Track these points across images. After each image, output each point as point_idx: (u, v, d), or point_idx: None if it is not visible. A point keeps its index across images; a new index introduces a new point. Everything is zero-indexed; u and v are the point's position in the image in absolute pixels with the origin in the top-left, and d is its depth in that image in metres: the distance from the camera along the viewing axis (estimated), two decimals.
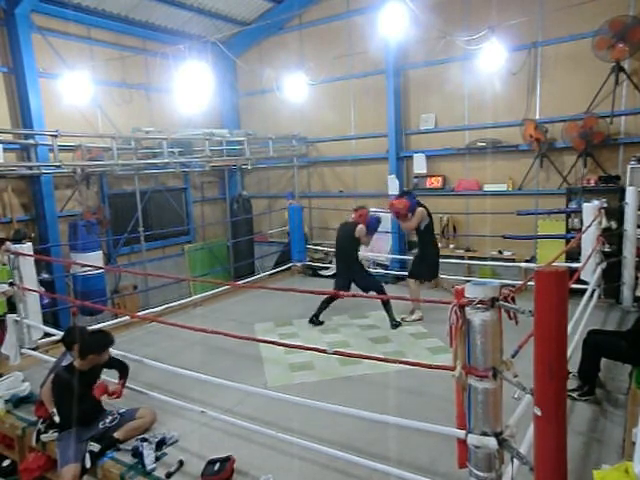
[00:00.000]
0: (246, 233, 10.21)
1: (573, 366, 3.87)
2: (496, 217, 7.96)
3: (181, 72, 8.22)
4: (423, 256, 6.53)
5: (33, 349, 5.18)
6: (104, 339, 3.76)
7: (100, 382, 3.80)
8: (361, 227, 6.30)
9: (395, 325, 6.13)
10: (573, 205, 7.15)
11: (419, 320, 6.28)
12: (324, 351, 3.28)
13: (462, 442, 2.54)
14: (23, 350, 5.13)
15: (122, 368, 3.96)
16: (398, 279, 8.63)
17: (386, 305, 6.21)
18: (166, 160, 8.30)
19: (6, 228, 7.46)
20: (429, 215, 6.37)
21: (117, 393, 3.80)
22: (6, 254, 5.07)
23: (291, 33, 10.30)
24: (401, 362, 3.22)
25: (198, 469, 3.28)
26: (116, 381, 3.96)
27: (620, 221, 6.22)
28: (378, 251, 8.87)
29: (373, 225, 6.43)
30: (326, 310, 6.45)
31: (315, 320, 6.44)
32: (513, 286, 2.63)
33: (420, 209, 6.29)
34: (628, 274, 6.15)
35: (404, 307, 6.53)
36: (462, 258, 8.31)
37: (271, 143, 9.76)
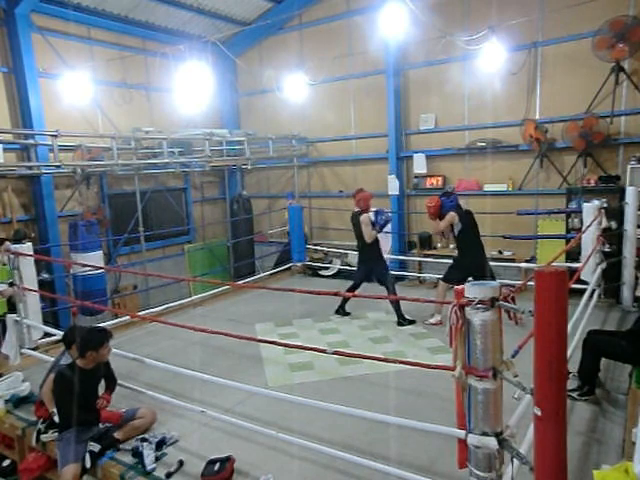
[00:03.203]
0: (246, 233, 10.21)
1: (573, 366, 3.87)
2: (496, 217, 7.96)
3: (181, 72, 8.23)
4: (456, 261, 6.19)
5: (33, 349, 5.18)
6: (101, 335, 3.74)
7: (115, 411, 3.82)
8: (365, 216, 6.29)
9: (400, 323, 6.13)
10: (573, 205, 7.15)
11: (439, 324, 5.99)
12: (324, 351, 3.28)
13: (462, 442, 2.54)
14: (23, 350, 5.13)
15: (111, 380, 3.94)
16: (397, 279, 8.63)
17: (393, 303, 6.21)
18: (166, 160, 8.30)
19: (6, 228, 7.46)
20: (463, 221, 5.91)
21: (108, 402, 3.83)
22: (6, 254, 5.07)
23: (291, 33, 10.30)
24: (401, 362, 3.22)
25: (198, 469, 3.28)
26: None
27: (620, 221, 6.22)
28: None
29: (380, 221, 6.34)
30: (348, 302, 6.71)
31: (342, 311, 6.71)
32: (513, 286, 2.63)
33: (451, 213, 5.90)
34: (628, 274, 6.15)
35: (403, 306, 6.54)
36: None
37: (271, 143, 9.76)
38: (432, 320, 6.11)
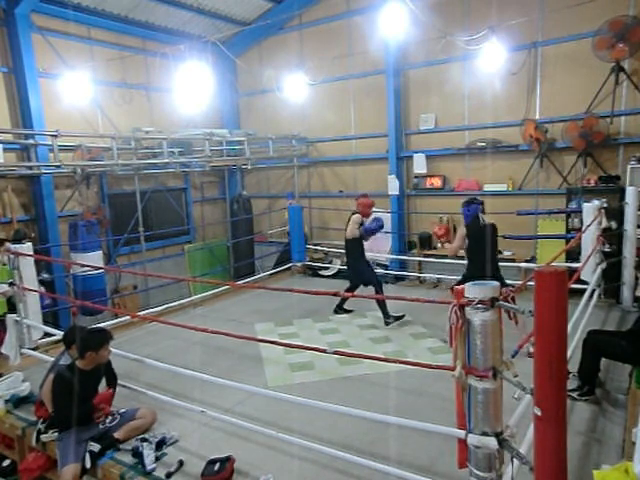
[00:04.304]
0: (246, 233, 10.21)
1: (573, 366, 3.87)
2: (496, 217, 7.91)
3: (181, 72, 8.23)
4: (463, 274, 5.69)
5: (33, 349, 5.18)
6: (101, 336, 3.74)
7: (105, 392, 3.82)
8: (356, 216, 6.37)
9: (388, 322, 6.12)
10: (573, 205, 7.15)
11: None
12: (324, 351, 3.28)
13: (462, 442, 2.54)
14: (23, 350, 5.13)
15: (112, 379, 3.95)
16: (397, 279, 8.63)
17: (379, 302, 6.19)
18: (166, 160, 8.30)
19: (6, 228, 7.46)
20: (470, 234, 5.43)
21: (106, 411, 3.79)
22: (6, 254, 5.07)
23: (291, 33, 10.30)
24: (401, 362, 3.23)
25: (198, 469, 3.28)
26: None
27: (620, 221, 6.22)
28: (378, 251, 8.87)
29: (370, 227, 6.41)
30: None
31: (340, 310, 6.80)
32: (513, 286, 2.63)
33: (461, 230, 5.53)
34: (628, 274, 6.15)
35: (403, 306, 6.53)
36: (462, 258, 8.28)
37: (271, 143, 9.76)
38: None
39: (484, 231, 5.41)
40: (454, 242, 5.67)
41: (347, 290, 6.60)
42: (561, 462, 2.25)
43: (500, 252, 8.11)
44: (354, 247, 6.46)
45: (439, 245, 5.96)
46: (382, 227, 6.55)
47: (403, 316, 6.17)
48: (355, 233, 6.39)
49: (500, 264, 7.71)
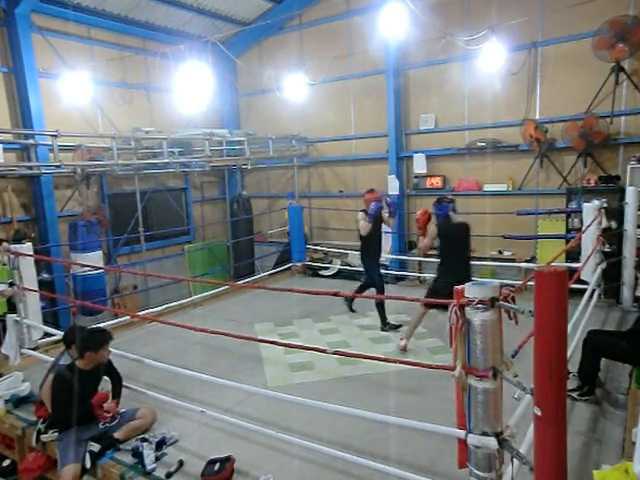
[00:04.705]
0: (246, 233, 10.22)
1: (573, 366, 3.87)
2: (496, 217, 7.96)
3: (181, 72, 8.23)
4: (434, 279, 5.53)
5: (33, 349, 5.17)
6: (101, 336, 3.74)
7: (103, 392, 3.83)
8: (360, 215, 6.28)
9: (382, 328, 6.03)
10: (573, 205, 7.16)
11: (402, 349, 5.30)
12: (324, 351, 3.28)
13: (462, 442, 2.54)
14: (23, 350, 5.13)
15: (116, 380, 3.94)
16: (398, 279, 8.63)
17: (378, 305, 6.13)
18: (166, 160, 8.31)
19: (6, 228, 7.46)
20: (441, 234, 5.25)
21: (112, 412, 3.77)
22: (6, 254, 5.07)
23: (291, 33, 10.30)
24: (401, 362, 3.23)
25: (198, 469, 3.28)
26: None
27: (620, 221, 6.21)
28: None
29: (372, 210, 6.14)
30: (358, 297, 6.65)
31: (349, 304, 6.88)
32: (513, 286, 2.63)
33: (432, 227, 5.33)
34: (628, 274, 6.14)
35: (403, 306, 6.53)
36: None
37: (271, 143, 9.77)
38: (401, 343, 5.37)
39: (455, 230, 5.32)
40: (426, 239, 5.47)
41: (357, 289, 6.60)
42: (561, 462, 2.25)
43: (500, 252, 8.14)
44: (366, 246, 6.34)
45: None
46: (384, 201, 6.25)
47: (400, 326, 6.03)
48: (368, 227, 6.13)
49: (500, 264, 7.79)
